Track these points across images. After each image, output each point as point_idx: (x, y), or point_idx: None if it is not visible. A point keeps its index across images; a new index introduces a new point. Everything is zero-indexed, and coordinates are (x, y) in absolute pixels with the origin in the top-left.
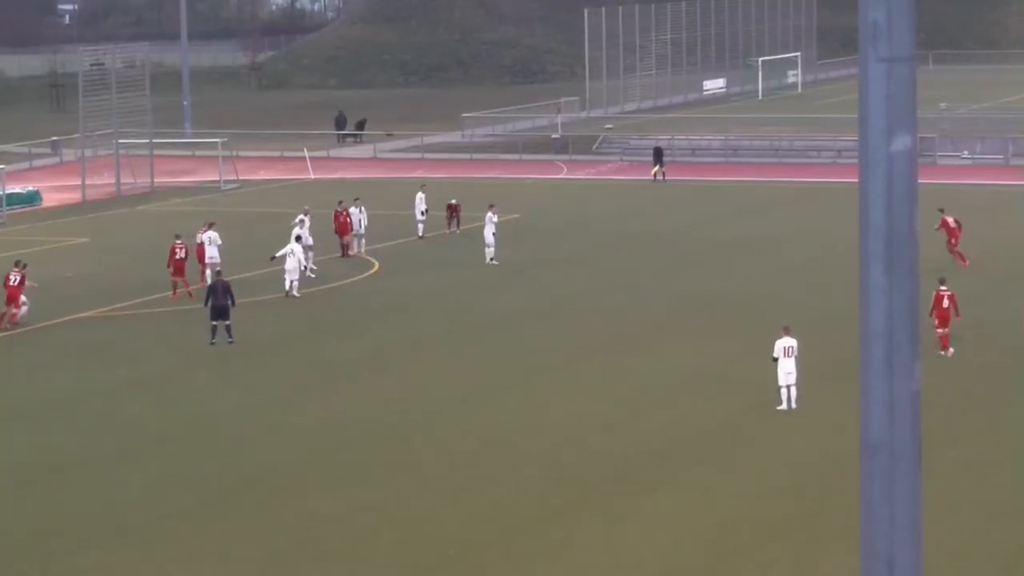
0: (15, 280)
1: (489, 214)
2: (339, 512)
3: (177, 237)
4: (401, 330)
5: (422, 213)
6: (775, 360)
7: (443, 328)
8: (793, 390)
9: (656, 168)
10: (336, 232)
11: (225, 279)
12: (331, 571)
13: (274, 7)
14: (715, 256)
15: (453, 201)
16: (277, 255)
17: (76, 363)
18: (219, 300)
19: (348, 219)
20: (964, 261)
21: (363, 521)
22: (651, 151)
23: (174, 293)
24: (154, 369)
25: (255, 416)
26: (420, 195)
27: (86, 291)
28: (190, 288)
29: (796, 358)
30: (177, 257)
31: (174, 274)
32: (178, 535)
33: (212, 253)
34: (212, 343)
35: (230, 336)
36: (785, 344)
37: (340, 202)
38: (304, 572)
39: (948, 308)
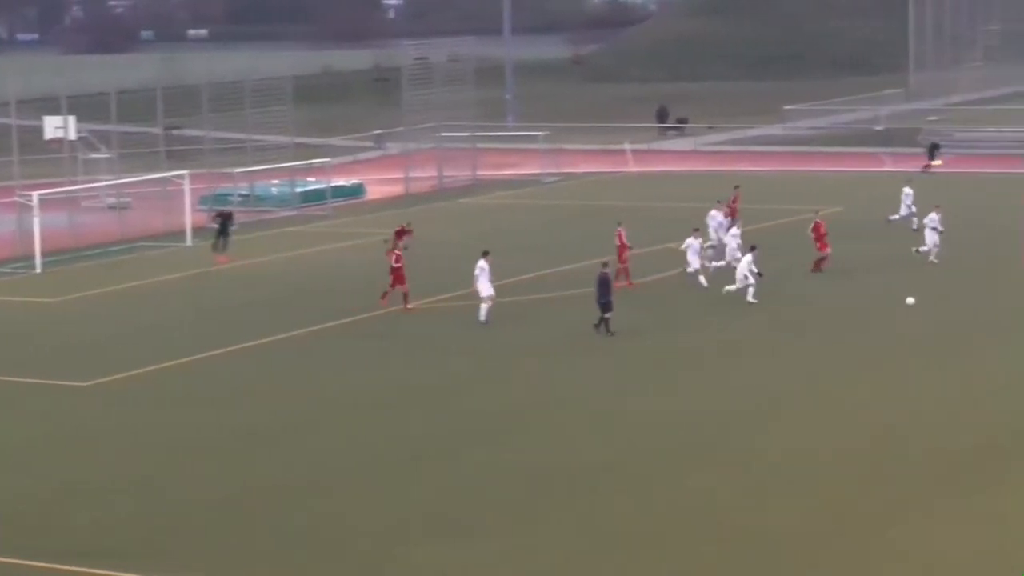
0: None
1: (933, 214)
2: (673, 502)
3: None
4: (717, 324)
5: (908, 207)
6: None
7: (775, 323)
8: None
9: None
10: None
11: (608, 271)
12: (662, 558)
13: (598, 0)
14: None
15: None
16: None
17: (402, 354)
18: (602, 294)
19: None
20: None
21: (697, 513)
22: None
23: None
24: (479, 360)
25: (583, 408)
26: (907, 190)
27: (409, 283)
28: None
29: None
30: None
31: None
32: (518, 525)
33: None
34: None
35: (608, 329)
36: None
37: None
38: (638, 563)
39: None
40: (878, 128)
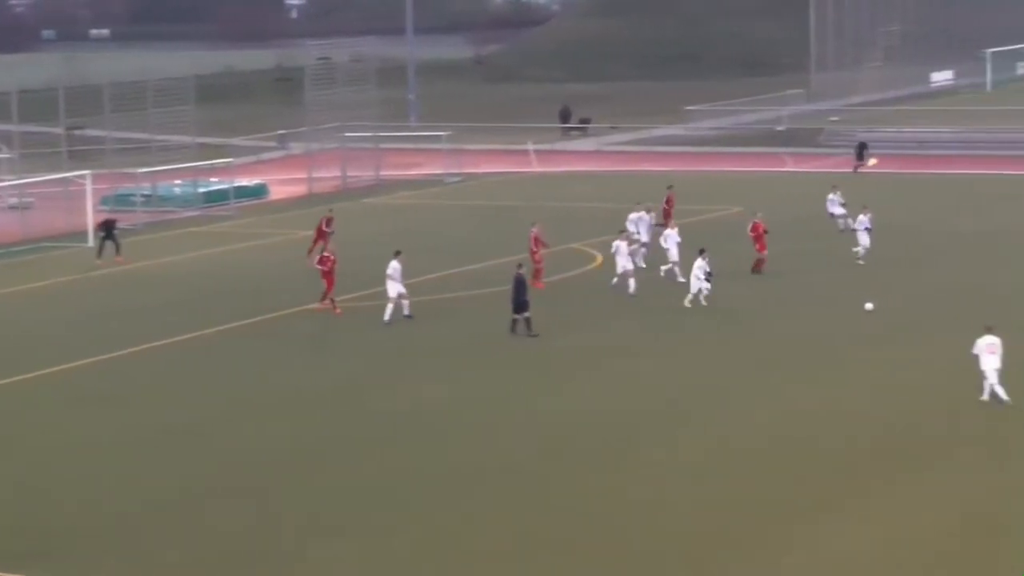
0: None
1: (862, 216)
2: (574, 504)
3: (533, 224)
4: (623, 325)
5: (841, 206)
6: (976, 356)
7: (661, 323)
8: (997, 387)
9: (866, 161)
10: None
11: (523, 272)
12: (567, 561)
13: (500, 0)
14: (952, 249)
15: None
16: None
17: (308, 354)
18: (518, 295)
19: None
20: None
21: (600, 512)
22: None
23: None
24: (383, 360)
25: (488, 409)
26: (831, 196)
27: (313, 283)
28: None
29: (1000, 355)
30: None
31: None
32: (421, 526)
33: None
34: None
35: (517, 329)
36: (988, 342)
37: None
38: (542, 561)
39: None
40: (780, 128)
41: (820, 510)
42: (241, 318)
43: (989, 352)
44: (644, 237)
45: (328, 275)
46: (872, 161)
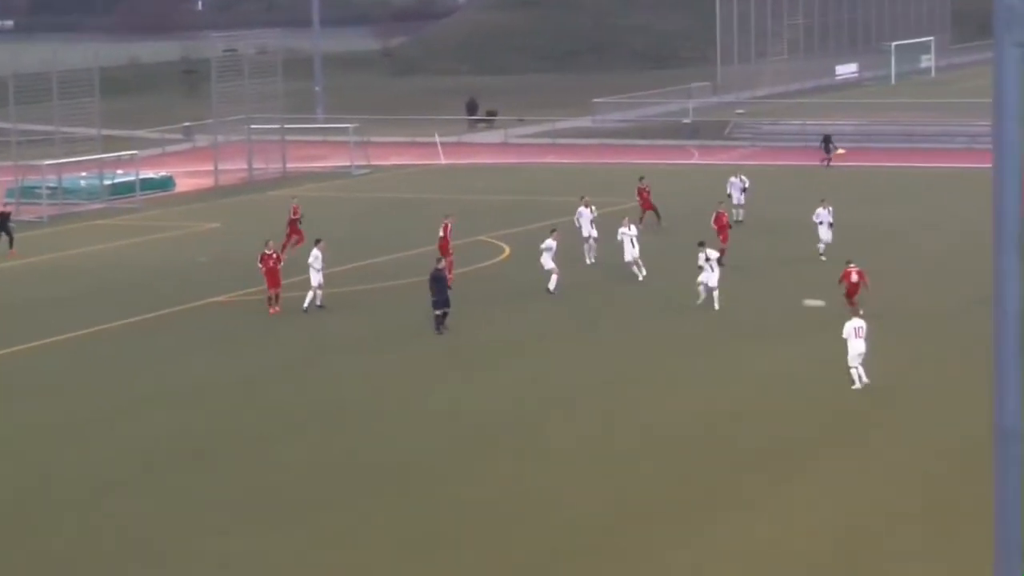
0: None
1: (820, 209)
2: (475, 499)
3: (447, 216)
4: (530, 318)
5: (742, 191)
6: (845, 340)
7: (571, 317)
8: (858, 368)
9: (834, 153)
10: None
11: (440, 269)
12: (466, 558)
13: None
14: (846, 243)
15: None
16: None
17: (213, 347)
18: (438, 291)
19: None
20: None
21: (500, 508)
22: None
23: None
24: (289, 354)
25: (393, 402)
26: (733, 179)
27: (220, 276)
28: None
29: (866, 338)
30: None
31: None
32: (317, 521)
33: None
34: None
35: (441, 326)
36: (855, 325)
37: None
38: (439, 559)
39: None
40: (686, 121)
41: (698, 509)
42: (147, 311)
43: (856, 336)
44: (592, 232)
45: (270, 273)
46: (840, 151)
